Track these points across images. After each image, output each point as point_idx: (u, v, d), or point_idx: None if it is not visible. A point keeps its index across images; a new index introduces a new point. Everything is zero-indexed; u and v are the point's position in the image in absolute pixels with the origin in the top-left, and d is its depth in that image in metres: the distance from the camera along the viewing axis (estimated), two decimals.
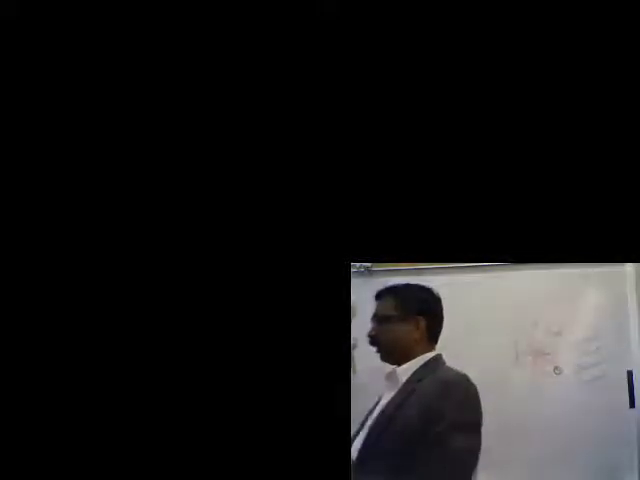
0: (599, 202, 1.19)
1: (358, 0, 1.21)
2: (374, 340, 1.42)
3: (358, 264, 2.38)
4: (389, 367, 1.40)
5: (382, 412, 1.31)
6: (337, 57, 1.21)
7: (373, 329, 1.43)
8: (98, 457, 1.14)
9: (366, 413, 1.39)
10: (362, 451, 1.27)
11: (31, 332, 1.15)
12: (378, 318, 1.43)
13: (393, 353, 1.39)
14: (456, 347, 2.08)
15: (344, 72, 1.21)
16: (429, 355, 1.39)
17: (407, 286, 1.45)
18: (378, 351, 1.41)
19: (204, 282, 1.18)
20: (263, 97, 1.20)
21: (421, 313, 1.40)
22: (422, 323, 1.39)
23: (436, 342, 1.44)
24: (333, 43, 1.21)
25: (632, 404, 2.12)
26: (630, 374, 2.14)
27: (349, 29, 1.21)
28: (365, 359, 2.22)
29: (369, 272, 2.37)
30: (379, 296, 1.46)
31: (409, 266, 2.18)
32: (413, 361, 1.37)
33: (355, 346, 2.24)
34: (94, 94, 1.20)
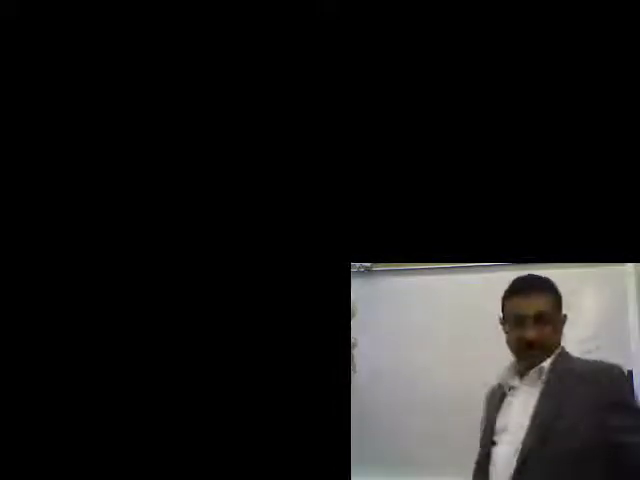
0: (599, 202, 1.19)
1: (358, 0, 1.21)
2: (533, 343, 1.23)
3: (358, 264, 2.38)
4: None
5: (537, 422, 1.16)
6: (337, 57, 1.21)
7: (534, 329, 1.23)
8: (98, 457, 1.14)
9: (485, 423, 1.27)
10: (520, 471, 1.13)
11: (31, 332, 1.15)
12: (537, 317, 1.23)
13: (543, 351, 1.24)
14: (456, 348, 2.10)
15: (344, 72, 1.21)
16: (558, 349, 1.26)
17: (546, 279, 1.29)
18: (521, 352, 1.27)
19: (204, 283, 1.17)
20: (263, 97, 1.20)
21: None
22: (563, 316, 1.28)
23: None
24: (333, 43, 1.21)
25: None
26: (630, 374, 2.13)
27: (349, 29, 1.21)
28: (365, 359, 2.23)
29: (369, 272, 2.37)
30: (525, 291, 1.29)
31: (409, 266, 2.18)
32: (551, 358, 1.24)
33: (355, 346, 2.24)
34: (94, 94, 1.20)
